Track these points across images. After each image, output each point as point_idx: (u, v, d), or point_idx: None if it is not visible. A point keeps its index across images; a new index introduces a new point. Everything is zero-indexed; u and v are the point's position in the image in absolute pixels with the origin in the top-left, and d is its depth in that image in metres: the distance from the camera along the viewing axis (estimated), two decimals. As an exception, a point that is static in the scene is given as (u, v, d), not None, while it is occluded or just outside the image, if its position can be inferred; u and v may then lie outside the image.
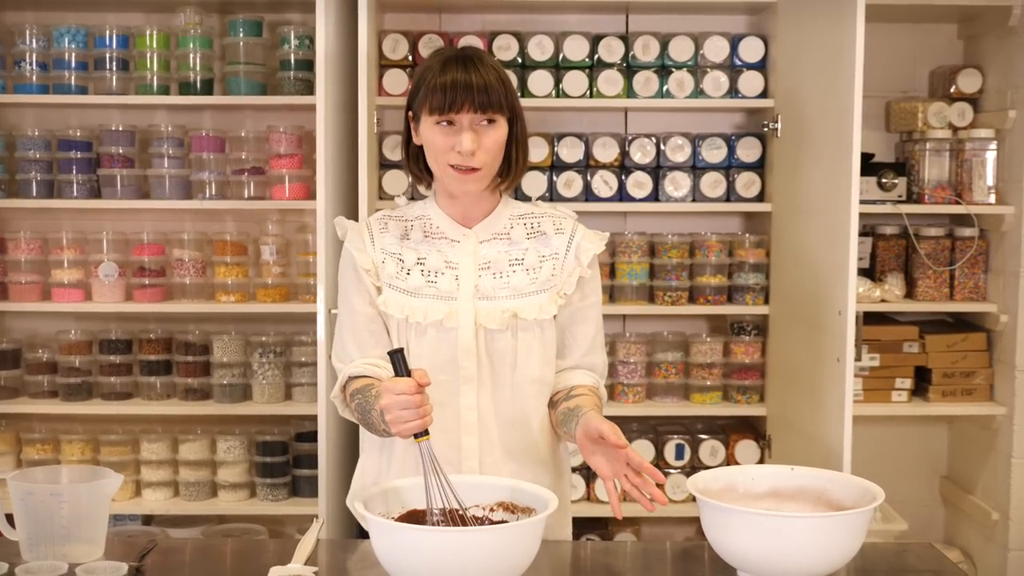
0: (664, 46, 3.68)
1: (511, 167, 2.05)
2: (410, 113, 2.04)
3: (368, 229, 2.10)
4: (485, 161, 1.98)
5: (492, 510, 1.88)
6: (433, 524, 1.83)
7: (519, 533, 1.69)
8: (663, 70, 3.69)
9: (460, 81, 1.93)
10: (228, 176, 3.66)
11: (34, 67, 3.63)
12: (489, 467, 2.04)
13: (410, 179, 3.61)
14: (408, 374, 1.82)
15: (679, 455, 3.72)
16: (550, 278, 2.07)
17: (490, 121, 1.97)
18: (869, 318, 3.67)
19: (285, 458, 3.66)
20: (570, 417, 1.99)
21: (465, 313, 2.02)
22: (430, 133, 1.98)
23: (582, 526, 3.63)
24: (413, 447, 2.02)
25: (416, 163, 2.08)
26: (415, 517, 1.85)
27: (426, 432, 1.83)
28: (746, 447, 3.72)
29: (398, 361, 1.82)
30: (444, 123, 1.96)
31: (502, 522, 1.85)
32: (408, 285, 2.04)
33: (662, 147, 3.70)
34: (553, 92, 3.65)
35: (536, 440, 2.07)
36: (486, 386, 2.04)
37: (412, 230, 2.08)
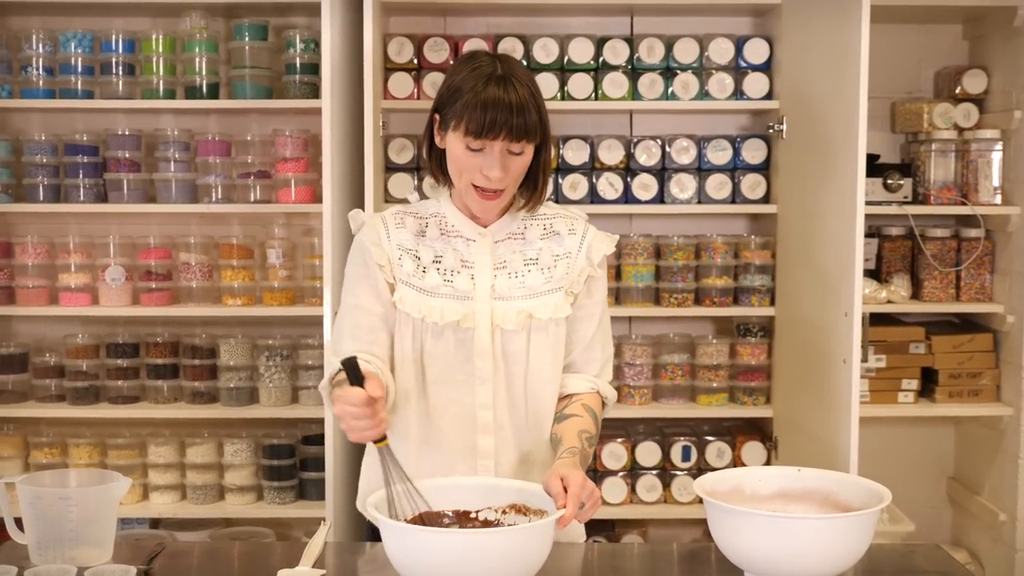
0: (669, 48, 3.68)
1: (536, 188, 2.04)
2: (436, 115, 2.02)
3: (384, 224, 2.08)
4: (508, 185, 1.98)
5: (504, 512, 1.88)
6: (444, 526, 1.83)
7: (531, 535, 1.69)
8: (668, 72, 3.69)
9: (501, 104, 1.90)
10: (234, 180, 3.67)
11: (41, 72, 3.64)
12: (503, 467, 2.04)
13: (416, 182, 3.62)
14: (361, 383, 1.79)
15: (686, 457, 3.72)
16: (564, 277, 2.07)
17: (520, 149, 1.96)
18: (875, 319, 3.66)
19: (292, 461, 3.67)
20: (554, 446, 2.02)
21: (482, 314, 2.02)
22: (458, 149, 1.96)
23: (589, 528, 3.62)
24: (417, 447, 2.02)
25: (438, 165, 2.07)
26: (425, 519, 1.85)
27: (384, 437, 1.83)
28: (753, 449, 3.72)
29: (352, 372, 1.80)
30: (474, 145, 1.94)
31: (514, 524, 1.85)
32: (425, 284, 2.03)
33: (667, 149, 3.70)
34: (558, 95, 3.65)
35: (548, 438, 2.08)
36: (501, 386, 2.03)
37: (428, 227, 2.08)
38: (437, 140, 2.03)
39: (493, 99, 1.91)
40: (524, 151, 1.96)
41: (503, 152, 1.94)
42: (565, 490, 1.78)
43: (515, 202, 2.09)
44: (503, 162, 1.94)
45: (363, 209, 3.22)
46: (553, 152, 3.66)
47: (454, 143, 1.96)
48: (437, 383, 2.03)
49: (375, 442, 1.83)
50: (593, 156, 3.70)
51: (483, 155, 1.94)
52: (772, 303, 3.70)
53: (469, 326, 2.01)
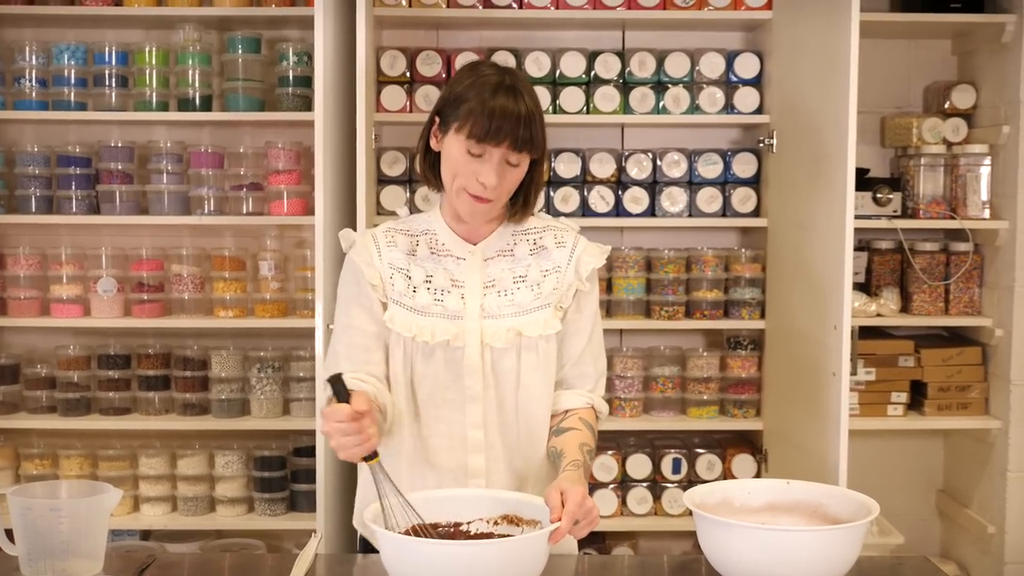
0: (660, 62, 3.70)
1: (525, 203, 2.06)
2: (437, 118, 2.03)
3: (375, 242, 2.08)
4: (499, 196, 1.99)
5: (496, 523, 1.88)
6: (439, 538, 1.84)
7: (529, 545, 1.70)
8: (659, 86, 3.71)
9: (508, 113, 1.92)
10: (227, 192, 3.68)
11: (34, 83, 3.65)
12: (495, 485, 2.04)
13: (408, 195, 3.63)
14: (348, 399, 1.78)
15: (676, 469, 3.73)
16: (552, 292, 2.07)
17: (518, 161, 1.97)
18: (865, 332, 3.68)
19: (283, 473, 3.66)
20: (554, 459, 2.02)
21: (472, 333, 2.02)
22: (456, 151, 1.96)
23: (579, 540, 3.62)
24: (409, 467, 2.02)
25: (431, 168, 2.07)
26: (419, 531, 1.85)
27: (375, 454, 1.81)
28: (742, 461, 3.73)
29: (338, 388, 1.79)
30: (475, 150, 1.95)
31: (507, 536, 1.85)
32: (415, 303, 2.04)
33: (658, 163, 3.71)
34: (550, 108, 3.66)
35: (540, 456, 2.08)
36: (492, 404, 2.04)
37: (419, 246, 2.08)
38: (433, 143, 2.03)
39: (502, 107, 1.92)
40: (520, 163, 1.98)
41: (501, 161, 1.95)
42: (563, 505, 1.78)
43: (503, 218, 2.09)
44: (500, 171, 1.95)
45: (355, 220, 3.24)
46: (545, 166, 3.68)
47: (453, 146, 1.97)
48: (427, 403, 2.03)
49: (366, 459, 1.80)
50: (584, 169, 3.71)
51: (481, 161, 1.95)
52: (762, 316, 3.71)
53: (459, 345, 2.01)
